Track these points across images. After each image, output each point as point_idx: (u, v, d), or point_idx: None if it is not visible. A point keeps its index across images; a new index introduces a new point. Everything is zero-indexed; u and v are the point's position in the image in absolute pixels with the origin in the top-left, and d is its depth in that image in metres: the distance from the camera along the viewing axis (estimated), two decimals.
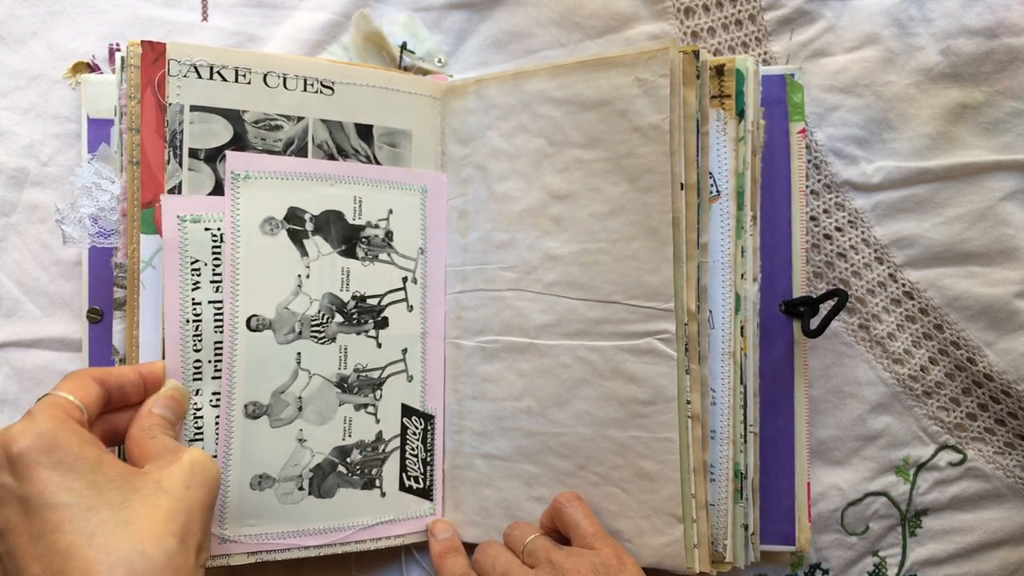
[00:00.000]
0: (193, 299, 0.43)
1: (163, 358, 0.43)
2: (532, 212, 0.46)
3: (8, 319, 0.50)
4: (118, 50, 0.51)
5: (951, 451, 0.51)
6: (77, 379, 0.39)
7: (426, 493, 0.49)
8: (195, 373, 0.43)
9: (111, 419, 0.40)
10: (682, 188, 0.43)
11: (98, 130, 0.49)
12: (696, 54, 0.43)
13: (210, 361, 0.44)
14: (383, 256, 0.48)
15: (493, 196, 0.48)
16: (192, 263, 0.43)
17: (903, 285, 0.51)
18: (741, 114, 0.45)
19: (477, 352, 0.48)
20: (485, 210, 0.48)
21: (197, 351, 0.43)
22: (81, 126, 0.50)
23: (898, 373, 0.51)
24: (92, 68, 0.51)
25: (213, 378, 0.44)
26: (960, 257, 0.50)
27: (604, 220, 0.44)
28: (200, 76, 0.44)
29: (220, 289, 0.44)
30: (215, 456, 0.43)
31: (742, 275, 0.45)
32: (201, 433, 0.43)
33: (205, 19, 0.52)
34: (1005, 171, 0.50)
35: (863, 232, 0.51)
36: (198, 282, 0.43)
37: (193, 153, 0.44)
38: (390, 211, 0.48)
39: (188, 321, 0.43)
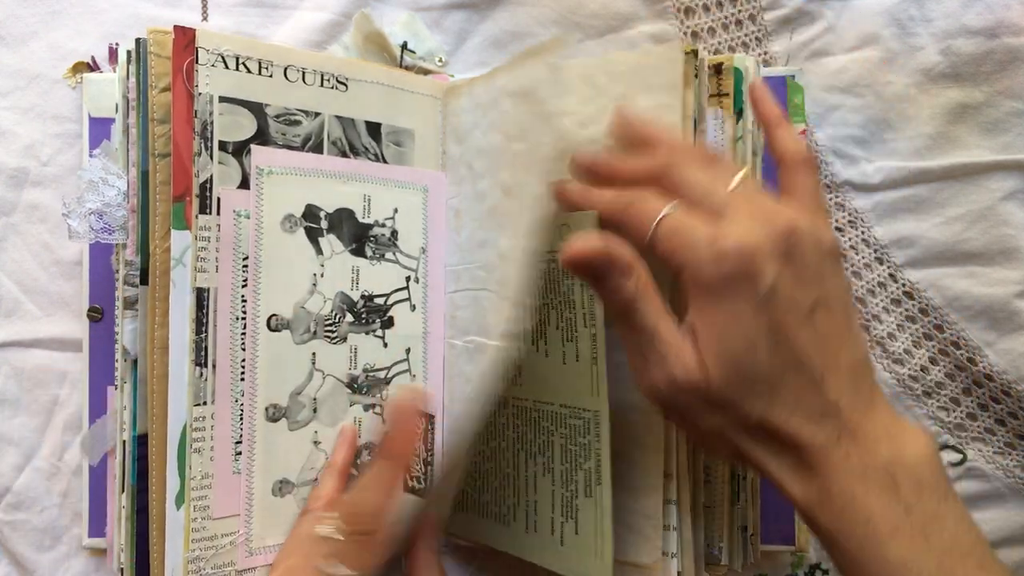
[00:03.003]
0: (242, 296, 0.42)
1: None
2: (495, 209, 0.45)
3: (8, 319, 0.50)
4: (118, 47, 0.51)
5: (951, 451, 0.51)
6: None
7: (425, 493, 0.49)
8: (242, 373, 0.42)
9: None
10: None
11: (99, 129, 0.48)
12: (694, 53, 0.43)
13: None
14: (389, 255, 0.47)
15: (476, 194, 0.47)
16: (243, 259, 0.42)
17: (903, 285, 0.51)
18: (740, 113, 0.45)
19: (464, 352, 0.48)
20: (471, 209, 0.47)
21: (244, 349, 0.43)
22: (82, 125, 0.49)
23: (898, 373, 0.51)
24: (92, 68, 0.51)
25: None
26: (960, 257, 0.51)
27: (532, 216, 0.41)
28: (227, 66, 0.42)
29: None
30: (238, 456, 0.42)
31: None
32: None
33: (205, 19, 0.52)
34: (1005, 171, 0.50)
35: (863, 232, 0.51)
36: (246, 279, 0.43)
37: (222, 146, 0.42)
38: (395, 210, 0.47)
39: (237, 319, 0.42)
